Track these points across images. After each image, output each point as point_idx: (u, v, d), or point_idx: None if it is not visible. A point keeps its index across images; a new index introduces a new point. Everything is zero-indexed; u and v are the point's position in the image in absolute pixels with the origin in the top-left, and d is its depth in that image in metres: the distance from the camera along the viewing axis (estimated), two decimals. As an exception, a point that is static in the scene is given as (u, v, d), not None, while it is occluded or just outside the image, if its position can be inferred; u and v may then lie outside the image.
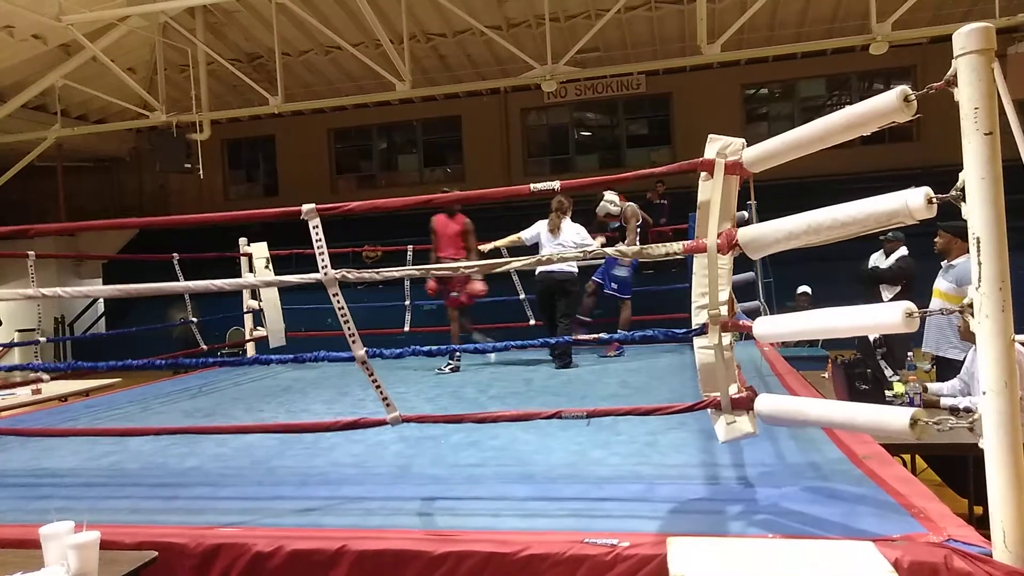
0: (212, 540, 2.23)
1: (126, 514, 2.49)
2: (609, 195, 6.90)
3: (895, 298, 5.68)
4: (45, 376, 5.00)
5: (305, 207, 2.52)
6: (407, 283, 7.49)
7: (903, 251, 6.04)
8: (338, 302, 2.54)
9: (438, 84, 13.36)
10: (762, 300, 7.00)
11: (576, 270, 6.19)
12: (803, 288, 8.66)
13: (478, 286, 6.03)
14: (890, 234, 6.03)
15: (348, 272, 2.54)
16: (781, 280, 8.08)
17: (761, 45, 12.05)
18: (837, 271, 7.71)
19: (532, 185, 2.41)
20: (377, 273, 2.64)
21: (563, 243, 6.08)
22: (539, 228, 6.29)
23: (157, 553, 2.08)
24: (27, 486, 3.05)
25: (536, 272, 6.13)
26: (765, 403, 2.37)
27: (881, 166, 12.94)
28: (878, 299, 5.75)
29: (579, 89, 14.33)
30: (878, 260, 6.29)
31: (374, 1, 10.40)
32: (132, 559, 2.04)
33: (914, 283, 5.84)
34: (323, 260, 2.51)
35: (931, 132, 13.32)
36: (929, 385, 4.05)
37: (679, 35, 12.72)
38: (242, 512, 2.50)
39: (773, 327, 2.43)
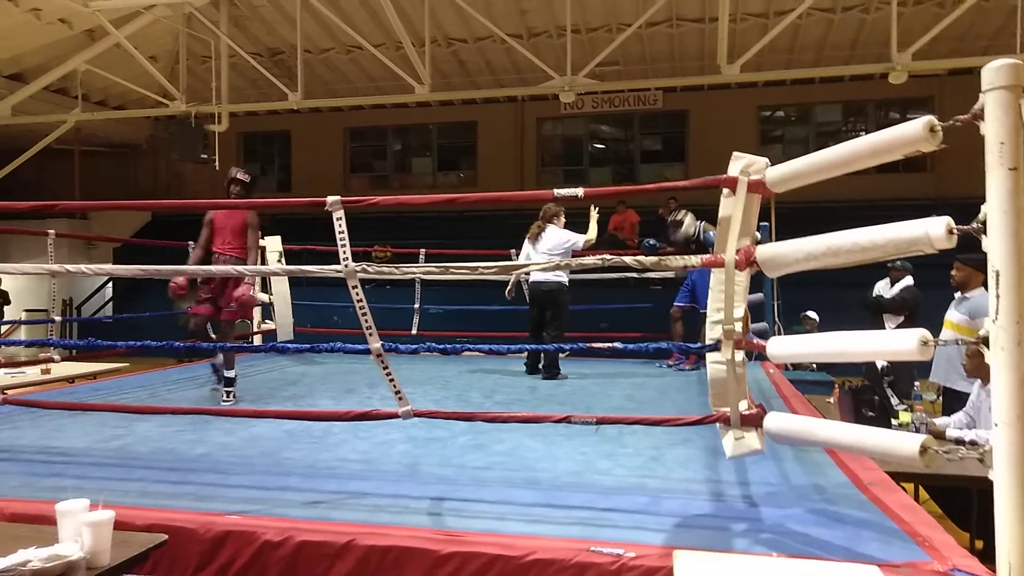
0: (221, 527, 2.25)
1: (136, 496, 2.51)
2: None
3: (898, 328, 5.68)
4: (56, 356, 5.03)
5: (330, 198, 2.55)
6: (417, 285, 7.53)
7: (909, 281, 6.03)
8: (357, 295, 2.56)
9: (456, 89, 13.44)
10: (778, 320, 6.98)
11: (564, 279, 5.94)
12: (809, 312, 8.67)
13: (245, 290, 4.57)
14: (898, 263, 6.01)
15: (368, 266, 2.57)
16: (787, 303, 8.09)
17: (780, 68, 12.11)
18: (844, 297, 7.71)
19: (556, 191, 2.43)
20: (396, 268, 2.67)
21: (546, 251, 5.84)
22: (525, 246, 6.11)
23: (167, 536, 2.10)
24: (38, 463, 3.08)
25: (528, 282, 6.07)
26: (774, 421, 2.39)
27: (893, 195, 12.96)
28: (881, 328, 5.75)
29: (596, 102, 14.38)
30: (883, 288, 6.29)
31: (398, 3, 10.48)
32: (143, 541, 2.06)
33: (918, 313, 5.83)
34: (345, 252, 2.54)
35: (945, 164, 13.33)
36: (936, 420, 4.06)
37: (698, 53, 12.78)
38: (250, 501, 2.53)
39: (788, 347, 2.45)
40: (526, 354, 6.08)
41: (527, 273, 5.91)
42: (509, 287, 6.22)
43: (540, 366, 6.03)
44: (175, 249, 6.70)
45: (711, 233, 6.60)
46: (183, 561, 2.24)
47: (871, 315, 6.08)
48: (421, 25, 10.94)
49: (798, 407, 4.46)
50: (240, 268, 2.62)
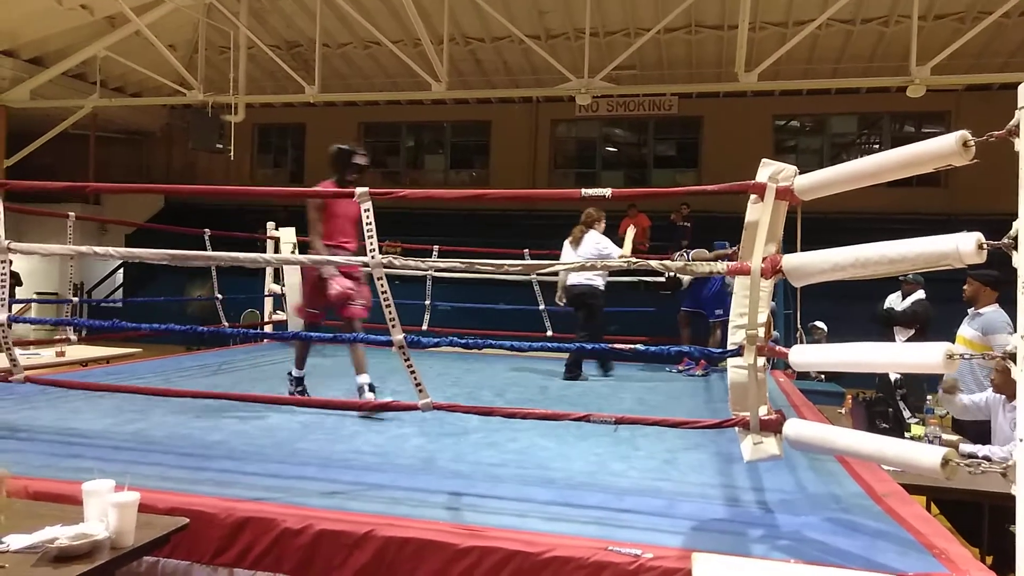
0: (242, 513, 2.27)
1: (156, 480, 2.53)
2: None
3: (909, 341, 5.68)
4: (72, 336, 5.06)
5: (358, 190, 2.57)
6: (428, 282, 7.55)
7: (920, 294, 6.00)
8: (382, 286, 2.58)
9: (472, 87, 13.46)
10: (800, 327, 6.98)
11: (599, 283, 6.03)
12: (817, 323, 8.64)
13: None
14: (910, 276, 5.97)
15: (395, 259, 2.59)
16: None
17: (797, 77, 12.11)
18: (851, 309, 7.70)
19: (584, 190, 2.44)
20: (422, 262, 2.68)
21: (582, 255, 5.91)
22: (565, 248, 6.21)
23: (189, 520, 2.12)
24: (58, 443, 3.10)
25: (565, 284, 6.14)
26: (793, 427, 2.39)
27: (907, 208, 12.94)
28: (892, 340, 5.75)
29: (611, 105, 14.39)
30: (894, 301, 6.27)
31: (417, 0, 10.51)
32: (165, 524, 2.07)
33: (929, 327, 5.80)
34: (372, 244, 2.55)
35: (959, 179, 13.31)
36: (961, 396, 4.03)
37: (716, 60, 12.78)
38: (268, 489, 2.54)
39: (810, 356, 2.45)
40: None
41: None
42: (559, 293, 6.31)
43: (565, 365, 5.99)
44: (188, 238, 6.73)
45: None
46: (203, 545, 2.26)
47: (882, 327, 6.07)
48: (440, 23, 10.97)
49: (809, 417, 4.45)
50: (265, 256, 2.63)
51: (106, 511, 1.90)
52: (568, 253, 6.11)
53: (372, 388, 4.07)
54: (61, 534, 1.82)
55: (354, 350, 4.12)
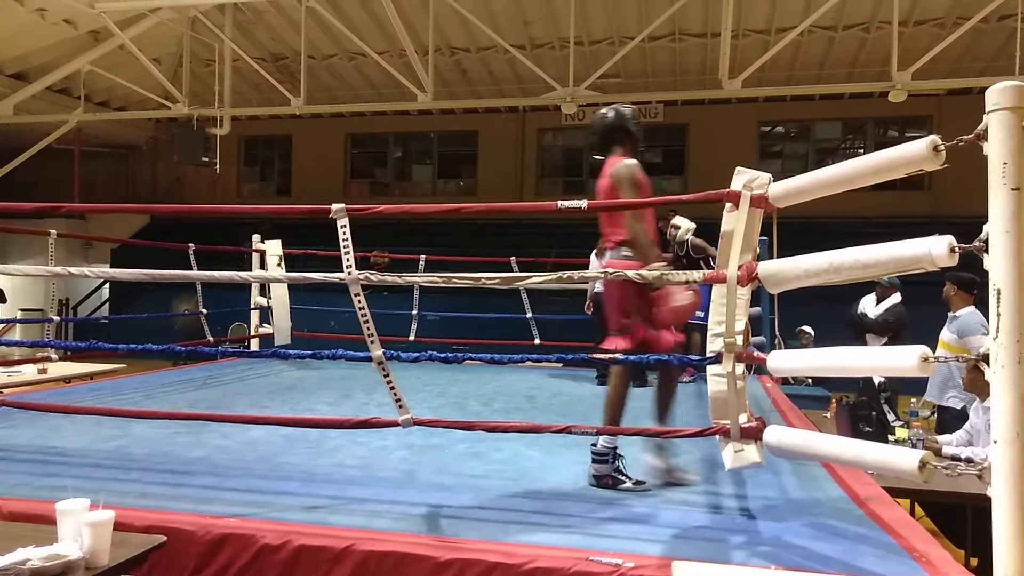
0: (220, 529, 2.25)
1: (134, 498, 2.51)
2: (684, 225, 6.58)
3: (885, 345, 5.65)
4: (54, 355, 5.02)
5: (335, 206, 2.56)
6: (416, 292, 7.53)
7: (896, 298, 5.91)
8: (359, 302, 2.57)
9: (458, 98, 13.49)
10: (778, 334, 6.99)
11: None
12: (805, 327, 8.69)
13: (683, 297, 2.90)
14: (884, 280, 5.89)
15: (372, 274, 2.58)
16: (782, 318, 8.10)
17: (781, 84, 12.19)
18: (837, 313, 7.74)
19: (559, 202, 2.45)
20: (399, 277, 2.68)
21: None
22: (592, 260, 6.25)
23: (166, 538, 2.10)
24: (35, 462, 3.07)
25: (593, 292, 6.19)
26: (774, 434, 2.40)
27: (890, 212, 13.04)
28: (864, 345, 5.69)
29: (597, 113, 14.45)
30: (868, 304, 6.15)
31: (402, 11, 10.54)
32: (141, 542, 2.06)
33: (903, 334, 5.67)
34: (348, 260, 2.55)
35: (942, 183, 13.41)
36: (938, 438, 4.08)
37: (700, 68, 12.87)
38: (248, 504, 2.52)
39: (789, 361, 2.46)
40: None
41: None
42: (588, 303, 6.40)
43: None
44: (174, 252, 6.68)
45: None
46: (181, 563, 2.24)
47: (854, 333, 6.00)
48: (425, 33, 10.99)
49: (795, 421, 4.47)
50: (244, 275, 2.62)
51: (80, 531, 1.88)
52: (595, 263, 6.13)
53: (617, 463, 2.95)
54: (34, 555, 1.80)
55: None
